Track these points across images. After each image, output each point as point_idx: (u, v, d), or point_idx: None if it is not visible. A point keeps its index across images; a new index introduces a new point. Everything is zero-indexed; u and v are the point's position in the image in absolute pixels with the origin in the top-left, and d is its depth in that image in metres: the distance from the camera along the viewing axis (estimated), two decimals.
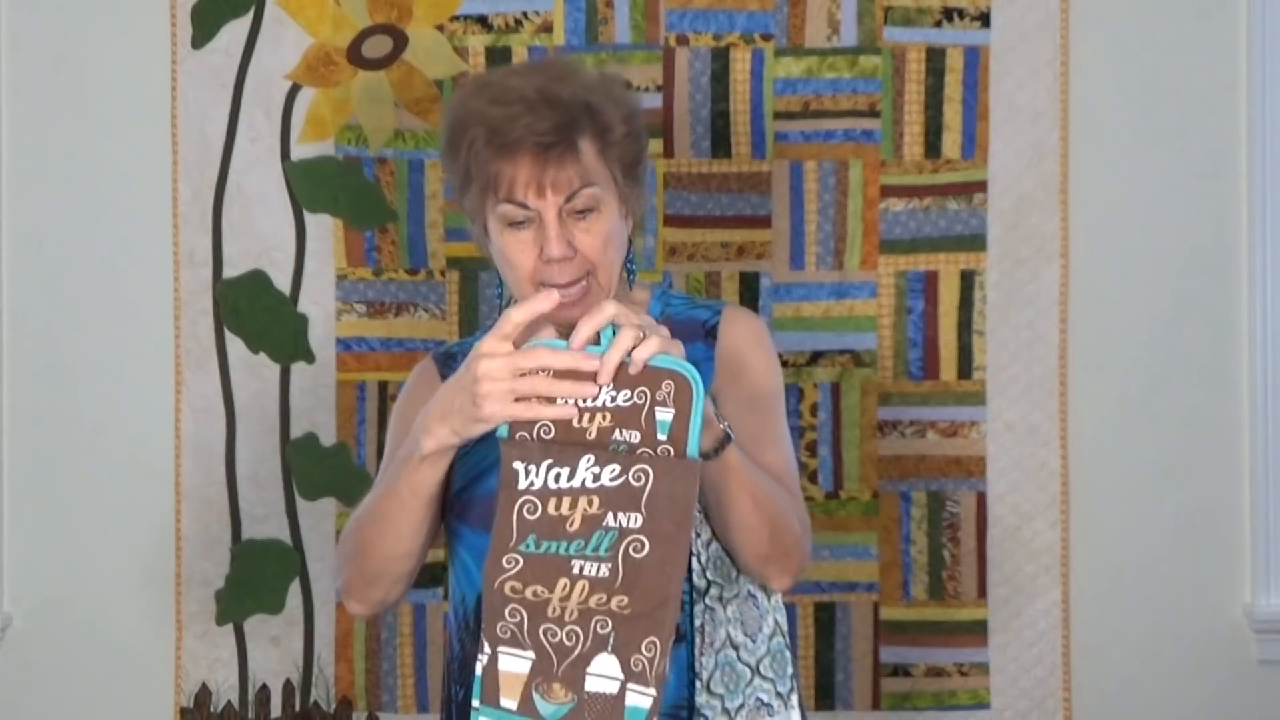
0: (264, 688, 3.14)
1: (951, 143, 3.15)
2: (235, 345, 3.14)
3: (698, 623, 1.96)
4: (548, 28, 3.14)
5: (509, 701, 1.74)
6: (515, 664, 1.74)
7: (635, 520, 1.73)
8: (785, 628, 2.06)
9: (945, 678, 3.16)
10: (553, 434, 1.75)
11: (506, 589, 1.74)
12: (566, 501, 1.73)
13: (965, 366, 3.16)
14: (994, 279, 3.15)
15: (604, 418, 1.74)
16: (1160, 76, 3.17)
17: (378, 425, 3.14)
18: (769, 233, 3.15)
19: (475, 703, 1.74)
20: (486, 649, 1.75)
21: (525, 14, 3.14)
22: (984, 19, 3.15)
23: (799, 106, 3.14)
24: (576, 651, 1.73)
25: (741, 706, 1.99)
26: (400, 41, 3.14)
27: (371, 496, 1.98)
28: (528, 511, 1.74)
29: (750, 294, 3.15)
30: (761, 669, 2.01)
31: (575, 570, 1.73)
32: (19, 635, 3.19)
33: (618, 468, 1.73)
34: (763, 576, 1.96)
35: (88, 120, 3.17)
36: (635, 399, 1.74)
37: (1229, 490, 3.18)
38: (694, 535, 1.95)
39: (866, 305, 3.15)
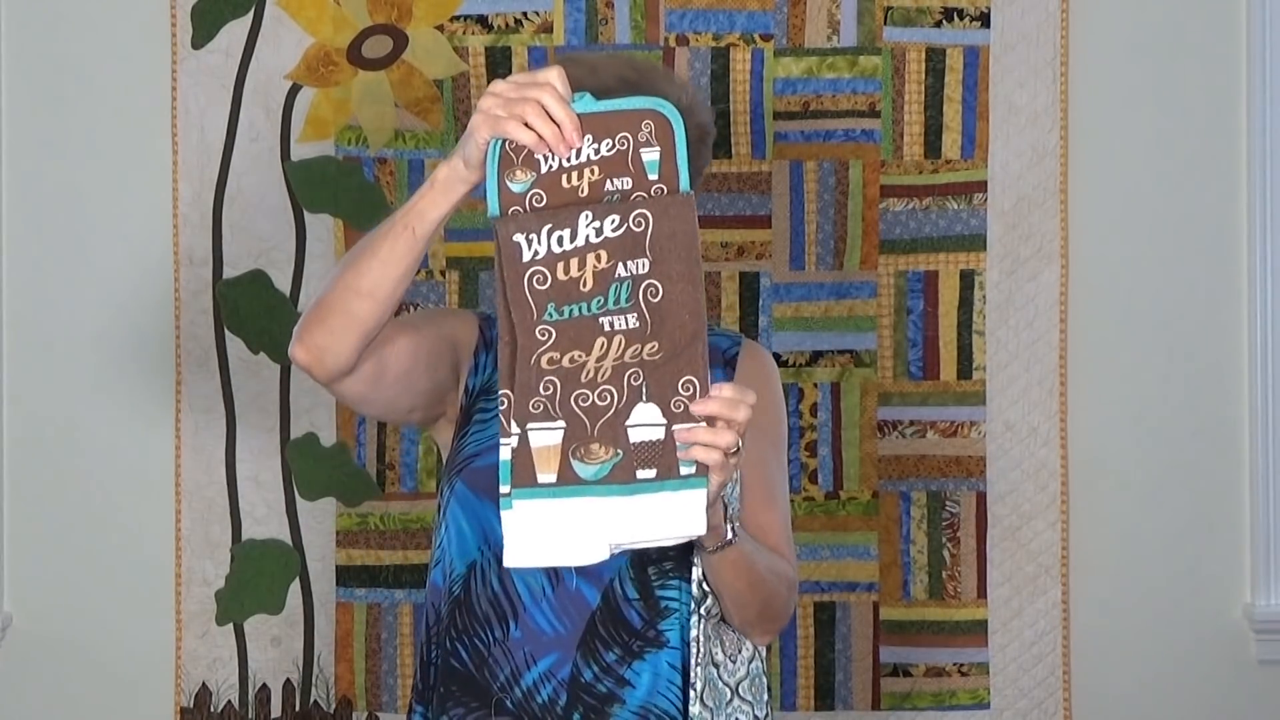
0: (264, 688, 3.14)
1: (951, 143, 3.15)
2: (235, 345, 3.14)
3: (693, 634, 1.97)
4: (548, 28, 3.14)
5: (547, 475, 1.68)
6: (547, 437, 1.69)
7: (644, 265, 1.70)
8: (763, 653, 2.08)
9: (945, 678, 3.16)
10: (545, 201, 1.72)
11: (544, 361, 1.69)
12: (574, 262, 1.70)
13: (965, 366, 3.16)
14: (994, 279, 3.15)
15: (592, 171, 1.72)
16: (1160, 76, 3.17)
17: (378, 425, 3.14)
18: (769, 233, 3.15)
19: (505, 489, 1.67)
20: (515, 430, 1.68)
21: (525, 14, 3.14)
22: (984, 19, 3.15)
23: (799, 106, 3.14)
24: (612, 409, 1.69)
25: None
26: (400, 41, 3.14)
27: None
28: (538, 282, 1.71)
29: (750, 294, 3.15)
30: (741, 690, 2.03)
31: (607, 327, 1.70)
32: (19, 635, 3.19)
33: (617, 217, 1.71)
34: (744, 635, 2.04)
35: (88, 120, 3.17)
36: (618, 145, 1.72)
37: (1229, 490, 3.18)
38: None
39: (866, 305, 3.15)
